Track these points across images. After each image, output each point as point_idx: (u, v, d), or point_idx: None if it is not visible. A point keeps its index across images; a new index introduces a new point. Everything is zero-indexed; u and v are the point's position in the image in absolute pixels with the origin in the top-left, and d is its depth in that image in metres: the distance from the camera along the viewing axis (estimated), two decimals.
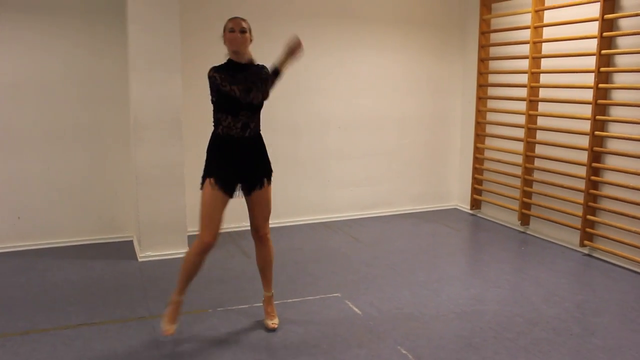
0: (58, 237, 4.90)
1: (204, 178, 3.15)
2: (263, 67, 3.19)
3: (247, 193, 3.23)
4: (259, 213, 3.28)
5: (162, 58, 4.39)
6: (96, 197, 4.99)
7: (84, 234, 4.98)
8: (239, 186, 3.20)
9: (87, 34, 4.76)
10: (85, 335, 3.27)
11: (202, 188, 3.15)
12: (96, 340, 3.22)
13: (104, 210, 5.03)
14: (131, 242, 5.01)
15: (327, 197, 5.80)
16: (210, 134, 3.21)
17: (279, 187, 5.50)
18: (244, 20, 3.12)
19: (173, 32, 4.37)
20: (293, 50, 3.12)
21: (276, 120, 5.30)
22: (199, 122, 4.19)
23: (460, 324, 3.46)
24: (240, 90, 2.98)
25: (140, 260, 4.54)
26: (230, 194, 3.16)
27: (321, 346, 3.18)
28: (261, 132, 3.28)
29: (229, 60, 3.14)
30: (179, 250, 4.53)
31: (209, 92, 3.13)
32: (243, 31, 3.08)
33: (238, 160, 3.15)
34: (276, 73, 3.16)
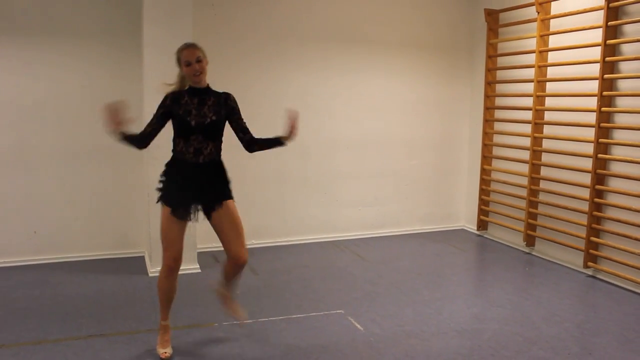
0: (72, 251, 5.05)
1: (160, 199, 3.21)
2: (228, 96, 3.28)
3: (209, 217, 3.27)
4: (229, 234, 3.26)
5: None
6: (110, 214, 5.15)
7: (98, 249, 5.13)
8: (196, 210, 3.24)
9: (104, 57, 4.96)
10: (95, 346, 3.39)
11: (158, 202, 3.21)
12: (105, 350, 3.34)
13: (117, 226, 5.18)
14: (143, 257, 5.14)
15: (335, 217, 5.89)
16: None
17: (289, 206, 5.67)
18: (196, 48, 3.18)
19: None
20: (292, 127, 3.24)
21: None
22: None
23: (459, 342, 3.52)
24: (194, 115, 3.14)
25: (150, 275, 4.67)
26: (187, 218, 3.21)
27: None
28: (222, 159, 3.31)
29: (189, 87, 3.24)
30: (189, 266, 4.65)
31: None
32: (199, 60, 3.16)
33: (191, 184, 3.20)
34: (279, 142, 3.29)
